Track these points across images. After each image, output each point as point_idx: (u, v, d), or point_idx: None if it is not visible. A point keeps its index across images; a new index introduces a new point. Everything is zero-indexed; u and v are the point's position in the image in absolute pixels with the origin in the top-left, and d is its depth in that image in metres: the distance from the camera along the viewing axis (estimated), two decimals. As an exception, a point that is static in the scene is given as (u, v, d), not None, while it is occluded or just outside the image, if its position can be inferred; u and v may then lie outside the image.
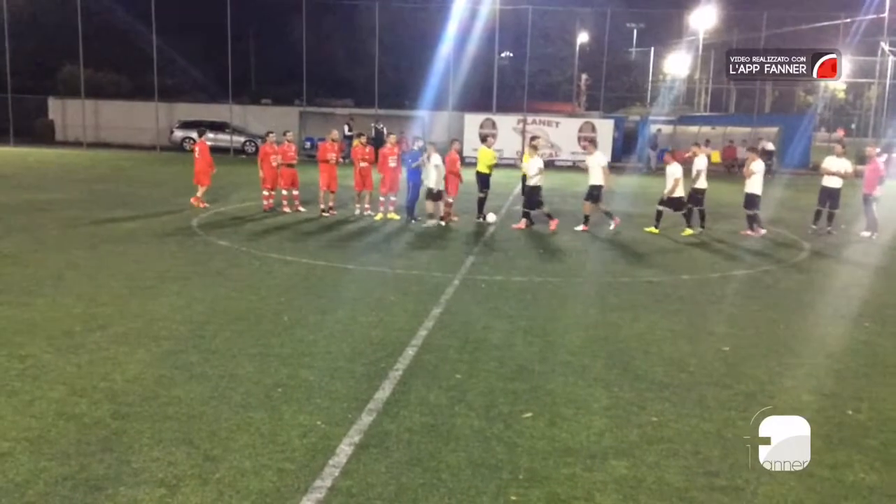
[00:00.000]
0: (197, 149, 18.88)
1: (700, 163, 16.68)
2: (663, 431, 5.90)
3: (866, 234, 16.90)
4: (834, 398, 6.78)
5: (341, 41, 53.85)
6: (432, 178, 16.46)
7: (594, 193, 16.83)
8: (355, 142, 18.71)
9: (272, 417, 5.87)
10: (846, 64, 46.64)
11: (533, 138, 19.68)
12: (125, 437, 5.43)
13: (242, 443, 5.41)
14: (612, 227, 16.66)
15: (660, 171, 36.20)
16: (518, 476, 5.08)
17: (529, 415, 6.12)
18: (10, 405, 5.93)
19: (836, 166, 17.19)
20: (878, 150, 18.10)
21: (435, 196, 16.66)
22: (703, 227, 16.80)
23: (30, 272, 10.72)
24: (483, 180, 17.48)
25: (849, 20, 42.59)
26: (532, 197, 16.72)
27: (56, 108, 43.91)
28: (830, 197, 17.23)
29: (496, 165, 18.73)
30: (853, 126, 60.70)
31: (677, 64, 65.11)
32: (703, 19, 53.84)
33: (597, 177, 16.72)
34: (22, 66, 42.27)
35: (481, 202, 17.47)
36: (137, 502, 4.57)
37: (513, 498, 4.80)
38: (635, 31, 67.06)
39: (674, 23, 59.73)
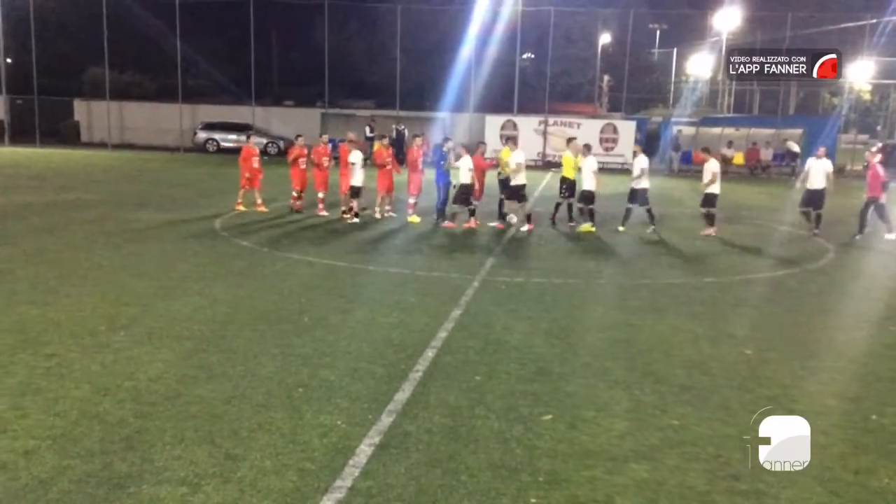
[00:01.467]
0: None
1: (640, 162, 16.94)
2: (685, 435, 5.87)
3: (890, 236, 16.69)
4: (858, 403, 6.70)
5: (363, 43, 54.11)
6: (358, 177, 16.89)
7: (519, 192, 16.71)
8: (377, 144, 18.69)
9: (293, 417, 5.90)
10: (871, 65, 46.15)
11: (569, 139, 19.56)
12: (148, 436, 5.48)
13: (263, 442, 5.45)
14: (498, 225, 16.81)
15: (681, 173, 36.13)
16: (538, 478, 5.07)
17: (549, 417, 6.10)
18: (35, 403, 6.01)
19: (816, 168, 17.19)
20: (877, 154, 17.88)
21: (355, 192, 17.04)
22: (652, 223, 16.93)
23: (55, 272, 10.86)
24: (505, 182, 17.39)
25: (875, 21, 42.03)
26: (462, 193, 16.71)
27: (81, 110, 44.40)
28: (812, 199, 17.23)
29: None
30: (879, 128, 59.82)
31: (700, 65, 64.59)
32: (727, 20, 53.37)
33: (520, 175, 16.62)
34: (48, 67, 42.81)
35: (503, 204, 17.41)
36: (160, 500, 4.62)
37: (532, 500, 4.79)
38: (658, 32, 66.59)
39: (697, 23, 59.15)
